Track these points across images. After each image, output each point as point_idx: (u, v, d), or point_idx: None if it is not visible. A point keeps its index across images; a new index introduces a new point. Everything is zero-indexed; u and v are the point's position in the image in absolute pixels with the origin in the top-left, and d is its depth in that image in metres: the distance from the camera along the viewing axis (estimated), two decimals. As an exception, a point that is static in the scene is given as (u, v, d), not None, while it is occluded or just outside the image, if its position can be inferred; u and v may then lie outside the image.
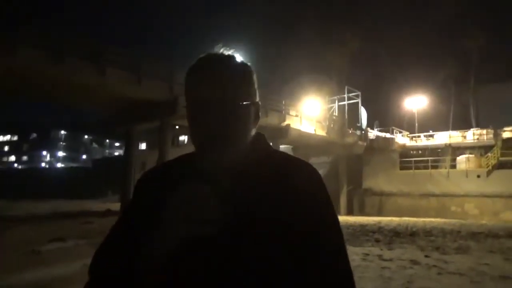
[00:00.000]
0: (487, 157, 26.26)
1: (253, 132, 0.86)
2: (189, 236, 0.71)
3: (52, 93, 16.93)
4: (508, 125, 29.19)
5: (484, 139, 29.11)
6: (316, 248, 0.75)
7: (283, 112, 23.38)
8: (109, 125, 23.98)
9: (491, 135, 28.90)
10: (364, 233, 12.33)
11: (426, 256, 8.01)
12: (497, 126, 29.33)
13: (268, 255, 0.72)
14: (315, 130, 25.96)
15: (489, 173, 25.44)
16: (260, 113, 0.88)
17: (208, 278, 0.72)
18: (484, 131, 30.06)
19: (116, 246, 0.82)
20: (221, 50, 0.83)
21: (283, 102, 23.91)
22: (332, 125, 28.62)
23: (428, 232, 12.78)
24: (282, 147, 23.57)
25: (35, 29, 14.26)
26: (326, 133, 27.09)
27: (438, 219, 21.59)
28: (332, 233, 0.80)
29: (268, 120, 20.73)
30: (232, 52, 0.84)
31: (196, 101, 0.79)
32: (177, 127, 28.57)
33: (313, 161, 26.25)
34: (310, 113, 26.88)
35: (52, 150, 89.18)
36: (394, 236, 11.67)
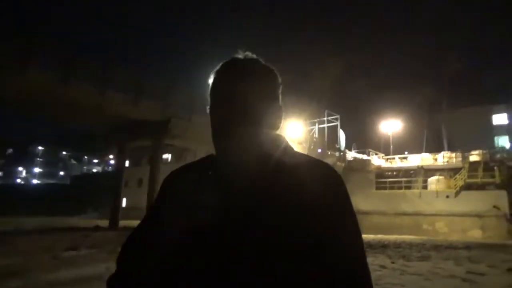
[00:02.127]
0: (455, 178, 28.11)
1: (274, 133, 0.87)
2: (195, 229, 0.73)
3: (54, 110, 17.94)
4: (479, 148, 31.06)
5: (453, 162, 30.95)
6: (335, 253, 0.74)
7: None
8: (102, 141, 24.83)
9: (460, 158, 30.78)
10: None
11: (392, 262, 9.54)
12: (467, 149, 31.22)
13: (275, 251, 0.71)
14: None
15: (457, 193, 27.10)
16: (282, 120, 0.89)
17: (216, 275, 0.73)
18: (454, 155, 32.09)
19: (141, 241, 0.87)
20: (245, 54, 0.86)
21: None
22: (312, 147, 30.20)
23: (397, 245, 14.42)
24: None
25: (42, 49, 15.31)
26: (307, 154, 28.62)
27: (410, 236, 23.17)
28: (352, 239, 0.78)
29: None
30: (255, 56, 0.87)
31: (220, 96, 0.81)
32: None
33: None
34: (292, 135, 28.44)
35: (28, 165, 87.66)
36: (368, 247, 13.21)
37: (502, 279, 7.31)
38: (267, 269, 0.71)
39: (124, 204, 29.29)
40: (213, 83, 0.85)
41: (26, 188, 68.74)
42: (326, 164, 0.85)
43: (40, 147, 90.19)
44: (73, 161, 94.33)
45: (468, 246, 14.09)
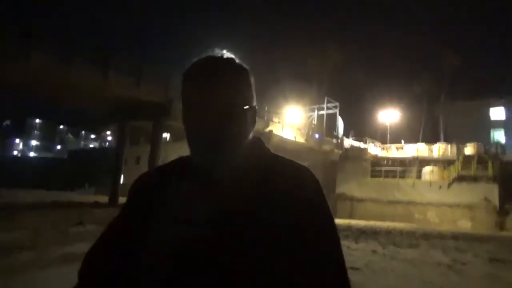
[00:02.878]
0: (449, 170, 28.68)
1: (250, 136, 0.84)
2: (180, 238, 0.70)
3: (58, 92, 18.15)
4: (475, 141, 31.50)
5: (448, 154, 31.47)
6: (312, 253, 0.74)
7: (266, 118, 25.15)
8: (104, 120, 25.16)
9: (455, 150, 31.26)
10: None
11: (383, 248, 10.10)
12: (463, 142, 31.66)
13: (261, 257, 0.72)
14: (295, 137, 27.85)
15: (449, 185, 27.68)
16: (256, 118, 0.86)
17: (201, 280, 0.72)
18: (449, 146, 32.59)
19: (108, 248, 0.80)
20: (218, 52, 0.82)
21: (265, 108, 25.61)
22: (311, 133, 30.57)
23: (389, 232, 15.04)
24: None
25: (44, 34, 15.47)
26: (305, 140, 29.02)
27: (401, 224, 23.81)
28: (328, 239, 0.78)
29: (253, 125, 22.47)
30: (230, 54, 0.82)
31: (192, 105, 0.78)
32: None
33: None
34: (291, 121, 28.78)
35: (25, 138, 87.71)
36: (361, 233, 13.81)
37: (484, 268, 7.83)
38: (237, 267, 0.72)
39: (121, 181, 29.71)
40: (184, 88, 0.81)
41: (23, 160, 69.01)
42: (304, 166, 0.86)
43: (37, 120, 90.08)
44: (70, 136, 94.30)
45: (456, 237, 14.77)
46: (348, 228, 16.10)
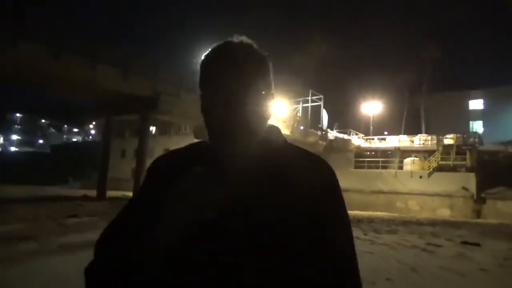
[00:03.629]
0: (429, 160, 29.67)
1: (268, 125, 0.85)
2: (193, 221, 0.70)
3: (46, 84, 18.18)
4: (455, 131, 32.56)
5: (429, 144, 32.36)
6: (325, 243, 0.74)
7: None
8: (92, 113, 25.14)
9: (435, 141, 32.19)
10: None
11: (365, 234, 10.76)
12: (444, 132, 32.69)
13: (273, 245, 0.71)
14: (280, 129, 28.36)
15: (430, 174, 28.66)
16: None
17: (210, 265, 0.72)
18: (429, 137, 33.61)
19: (123, 229, 0.81)
20: (238, 38, 0.82)
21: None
22: (296, 125, 31.13)
23: (371, 220, 15.82)
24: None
25: (32, 23, 15.48)
26: (291, 132, 29.55)
27: (383, 213, 24.69)
28: (342, 230, 0.79)
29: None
30: (249, 41, 0.82)
31: (213, 88, 0.77)
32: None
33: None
34: (277, 113, 29.23)
35: (6, 133, 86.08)
36: (344, 222, 14.34)
37: (455, 250, 8.55)
38: (248, 254, 0.71)
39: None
40: (206, 70, 0.81)
41: (5, 155, 67.81)
42: (322, 158, 0.86)
43: (18, 114, 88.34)
44: (52, 130, 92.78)
45: (433, 223, 15.65)
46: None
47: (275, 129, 0.88)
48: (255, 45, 0.82)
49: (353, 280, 0.76)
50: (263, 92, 0.81)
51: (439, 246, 9.03)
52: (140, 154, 20.84)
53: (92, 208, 13.23)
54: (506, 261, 7.37)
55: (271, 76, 0.84)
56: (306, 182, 0.78)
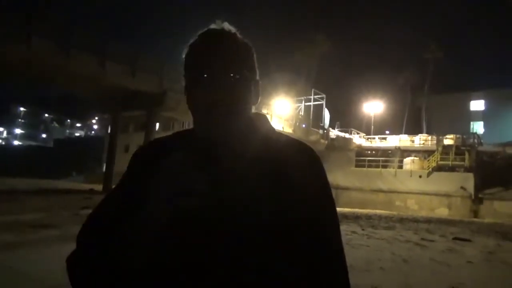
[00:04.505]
0: (428, 160, 30.11)
1: (253, 110, 0.85)
2: (176, 209, 0.69)
3: (56, 78, 18.78)
4: (455, 132, 32.87)
5: (429, 144, 32.65)
6: (311, 233, 0.74)
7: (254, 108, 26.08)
8: (97, 108, 25.68)
9: (435, 141, 32.48)
10: (320, 216, 15.50)
11: (362, 229, 11.34)
12: (444, 132, 32.98)
13: (258, 234, 0.70)
14: (283, 127, 28.90)
15: (429, 174, 29.05)
16: (260, 93, 0.85)
17: (195, 253, 0.71)
18: (429, 137, 34.01)
19: (105, 218, 0.79)
20: (222, 25, 0.82)
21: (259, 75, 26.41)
22: (298, 124, 31.65)
23: (369, 217, 16.42)
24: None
25: (45, 21, 16.02)
26: (293, 130, 30.09)
27: (382, 211, 25.19)
28: (328, 219, 0.79)
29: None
30: (233, 28, 0.83)
31: (198, 73, 0.77)
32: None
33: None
34: (279, 112, 29.76)
35: (9, 126, 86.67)
36: (343, 218, 15.06)
37: (446, 245, 9.11)
38: (232, 242, 0.70)
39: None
40: (189, 57, 0.81)
41: (8, 149, 68.49)
42: (307, 145, 0.85)
43: (21, 108, 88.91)
44: (55, 124, 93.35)
45: (428, 220, 16.26)
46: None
47: (261, 116, 0.88)
48: (236, 32, 0.83)
49: (344, 280, 0.78)
50: (247, 76, 0.80)
51: (432, 241, 9.60)
52: (146, 149, 21.39)
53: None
54: (491, 255, 7.94)
55: (255, 63, 0.85)
56: (293, 170, 0.77)
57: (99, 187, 22.60)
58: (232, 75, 0.77)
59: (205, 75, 0.77)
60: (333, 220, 0.81)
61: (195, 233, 0.72)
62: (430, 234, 11.15)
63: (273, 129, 0.87)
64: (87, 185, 25.74)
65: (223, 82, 0.76)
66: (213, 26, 0.82)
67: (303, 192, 0.76)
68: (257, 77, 0.85)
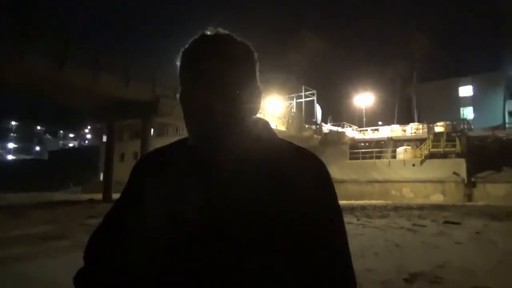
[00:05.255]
0: (420, 148, 30.68)
1: (255, 118, 0.81)
2: (174, 224, 0.69)
3: (51, 91, 19.13)
4: (446, 119, 33.43)
5: (420, 133, 33.16)
6: (319, 247, 0.71)
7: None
8: (91, 119, 26.05)
9: (426, 130, 32.97)
10: (318, 210, 16.00)
11: (358, 219, 11.87)
12: (435, 120, 33.47)
13: (260, 250, 0.68)
14: (276, 125, 29.33)
15: (422, 162, 29.55)
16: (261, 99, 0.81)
17: (197, 269, 0.69)
18: (420, 126, 34.58)
19: (110, 233, 0.81)
20: (215, 30, 0.77)
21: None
22: (290, 121, 32.10)
23: (364, 208, 17.00)
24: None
25: (39, 36, 16.32)
26: (286, 128, 30.53)
27: (377, 201, 25.73)
28: (336, 232, 0.76)
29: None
30: (228, 33, 0.78)
31: (193, 79, 0.73)
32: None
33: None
34: (272, 110, 30.20)
35: (2, 141, 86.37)
36: (340, 210, 15.54)
37: (437, 228, 9.64)
38: (252, 262, 0.68)
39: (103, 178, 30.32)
40: (184, 64, 0.76)
41: (3, 164, 68.29)
42: (312, 153, 0.81)
43: (13, 122, 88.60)
44: (48, 136, 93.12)
45: (421, 207, 16.84)
46: (329, 206, 17.95)
47: (263, 123, 0.83)
48: (234, 35, 0.78)
49: (350, 283, 0.74)
50: (249, 85, 0.77)
51: (424, 226, 10.12)
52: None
53: (104, 209, 13.94)
54: (478, 235, 8.47)
55: (256, 67, 0.80)
56: (300, 180, 0.73)
57: (98, 196, 22.92)
58: (230, 83, 0.73)
59: (200, 82, 0.72)
60: (337, 220, 0.77)
61: (197, 249, 0.69)
62: (422, 220, 11.68)
63: (274, 136, 0.82)
64: (86, 195, 26.01)
65: (219, 89, 0.72)
66: (207, 31, 0.77)
67: (309, 205, 0.72)
68: (258, 83, 0.81)
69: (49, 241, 7.71)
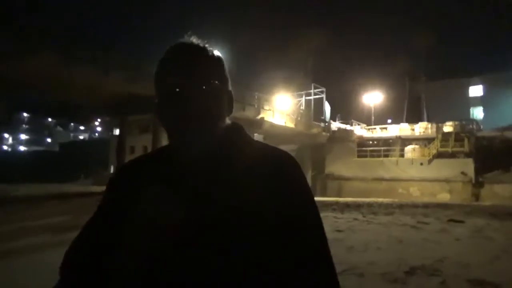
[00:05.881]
0: (429, 148, 30.79)
1: (227, 121, 0.84)
2: (156, 239, 0.69)
3: (61, 89, 19.73)
4: (455, 118, 33.56)
5: (429, 132, 33.20)
6: (297, 246, 0.72)
7: (256, 106, 26.84)
8: (105, 114, 26.78)
9: (434, 129, 33.05)
10: (325, 205, 16.27)
11: (363, 216, 12.24)
12: (444, 119, 33.56)
13: (241, 254, 0.68)
14: (285, 122, 29.63)
15: (430, 161, 29.78)
16: (234, 103, 0.86)
17: (180, 281, 0.69)
18: (429, 125, 34.62)
19: (87, 247, 0.80)
20: (192, 39, 0.82)
21: (256, 96, 27.15)
22: (299, 118, 32.35)
23: (370, 205, 17.31)
24: (255, 136, 26.98)
25: (52, 36, 16.88)
26: (295, 125, 30.80)
27: (384, 199, 25.86)
28: (314, 230, 0.76)
29: (245, 113, 24.21)
30: (201, 40, 0.82)
31: (168, 87, 0.76)
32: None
33: (282, 148, 29.96)
34: (281, 107, 30.50)
35: (14, 132, 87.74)
36: (346, 207, 15.99)
37: (440, 226, 9.92)
38: (218, 267, 0.68)
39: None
40: (159, 74, 0.80)
41: (15, 155, 69.43)
42: (286, 154, 0.82)
43: (25, 114, 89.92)
44: (59, 128, 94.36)
45: (426, 205, 17.11)
46: (336, 203, 18.29)
47: (236, 127, 0.86)
48: (205, 44, 0.82)
49: (331, 281, 0.74)
50: (221, 92, 0.80)
51: (427, 223, 10.42)
52: (154, 148, 22.36)
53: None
54: (478, 233, 8.76)
55: (226, 73, 0.84)
56: (270, 181, 0.74)
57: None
58: (204, 87, 0.77)
59: (177, 90, 0.76)
60: (316, 222, 0.77)
61: (174, 263, 0.70)
62: (426, 217, 11.97)
63: (248, 139, 0.85)
64: (97, 188, 26.52)
65: (194, 95, 0.76)
66: (181, 40, 0.82)
67: (283, 205, 0.73)
68: (229, 88, 0.85)
69: (67, 231, 8.12)
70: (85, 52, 17.80)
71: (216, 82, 0.80)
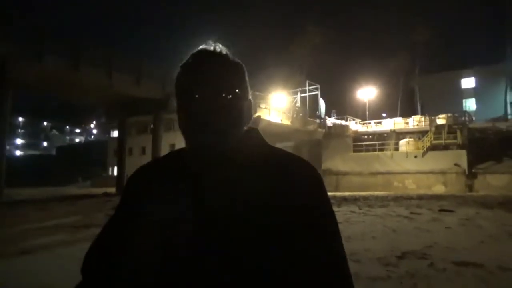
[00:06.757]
0: (423, 140, 31.34)
1: (247, 128, 0.85)
2: (168, 240, 0.70)
3: (66, 91, 20.16)
4: (449, 111, 34.18)
5: (422, 125, 33.76)
6: (313, 254, 0.70)
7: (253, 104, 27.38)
8: (105, 116, 27.17)
9: (428, 122, 33.60)
10: (323, 201, 16.92)
11: (360, 209, 12.81)
12: (438, 112, 34.16)
13: (256, 255, 0.68)
14: (281, 119, 30.15)
15: (424, 154, 30.22)
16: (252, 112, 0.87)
17: (192, 283, 0.69)
18: (423, 118, 35.18)
19: (107, 247, 0.83)
20: (214, 46, 0.82)
21: (251, 94, 27.64)
22: (295, 115, 32.87)
23: (366, 198, 17.95)
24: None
25: (56, 39, 17.29)
26: (291, 122, 31.33)
27: (380, 192, 26.48)
28: (331, 239, 0.74)
29: (242, 112, 24.76)
30: (224, 48, 0.83)
31: (189, 93, 0.77)
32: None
33: (279, 146, 30.43)
34: (277, 105, 31.00)
35: (10, 137, 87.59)
36: (343, 200, 16.61)
37: (432, 216, 10.50)
38: (230, 269, 0.68)
39: (115, 172, 31.23)
40: (181, 78, 0.81)
41: (11, 159, 69.33)
42: (305, 161, 0.81)
43: (20, 118, 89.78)
44: (55, 131, 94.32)
45: (420, 197, 17.77)
46: (333, 197, 18.88)
47: (253, 133, 0.87)
48: (228, 52, 0.83)
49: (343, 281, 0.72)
50: (242, 100, 0.81)
51: (420, 214, 11.00)
52: (154, 150, 22.77)
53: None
54: (467, 221, 9.34)
55: (247, 82, 0.85)
56: (289, 187, 0.74)
57: (110, 190, 23.96)
58: (224, 95, 0.77)
59: (197, 96, 0.77)
60: (333, 227, 0.76)
61: (188, 263, 0.70)
62: (419, 208, 12.56)
63: (265, 145, 0.86)
64: (97, 189, 27.00)
65: (214, 103, 0.76)
66: (204, 46, 0.82)
67: (300, 211, 0.72)
68: (250, 97, 0.86)
69: (82, 230, 8.62)
70: (90, 54, 18.19)
71: (238, 91, 0.80)
